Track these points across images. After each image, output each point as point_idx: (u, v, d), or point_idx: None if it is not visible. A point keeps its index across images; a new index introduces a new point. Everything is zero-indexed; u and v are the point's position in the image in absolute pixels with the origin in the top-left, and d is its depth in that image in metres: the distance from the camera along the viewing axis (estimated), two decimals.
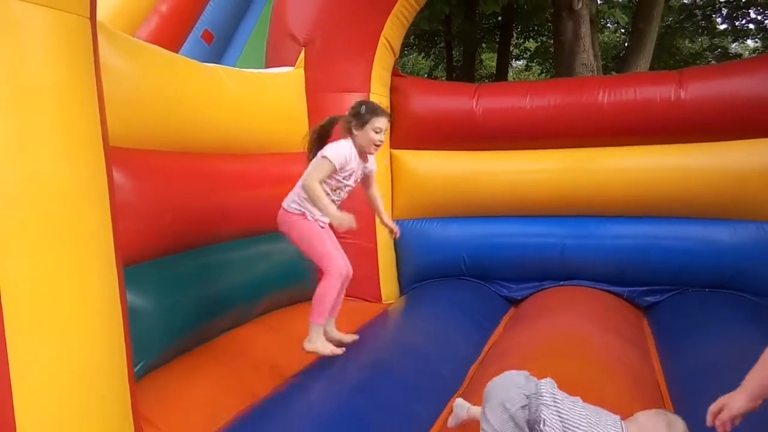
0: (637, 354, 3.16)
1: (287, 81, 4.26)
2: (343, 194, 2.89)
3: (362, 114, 2.81)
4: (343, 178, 2.84)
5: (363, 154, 2.89)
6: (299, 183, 2.91)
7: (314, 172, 2.79)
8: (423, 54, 18.94)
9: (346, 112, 2.95)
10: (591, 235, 4.48)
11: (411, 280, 4.80)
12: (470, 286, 4.62)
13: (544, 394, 1.90)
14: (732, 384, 2.68)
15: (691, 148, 4.24)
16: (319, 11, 4.35)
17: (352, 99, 4.36)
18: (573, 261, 4.46)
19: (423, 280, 4.77)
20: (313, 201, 2.79)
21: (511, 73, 22.99)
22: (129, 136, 2.82)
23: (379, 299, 4.52)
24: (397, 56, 4.71)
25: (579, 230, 4.54)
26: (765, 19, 15.99)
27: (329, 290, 2.82)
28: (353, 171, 2.83)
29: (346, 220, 2.73)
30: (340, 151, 2.77)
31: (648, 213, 4.38)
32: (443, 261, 4.76)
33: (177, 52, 5.48)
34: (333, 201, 2.85)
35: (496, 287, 4.70)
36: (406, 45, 17.77)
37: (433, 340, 3.29)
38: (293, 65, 4.36)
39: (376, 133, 2.81)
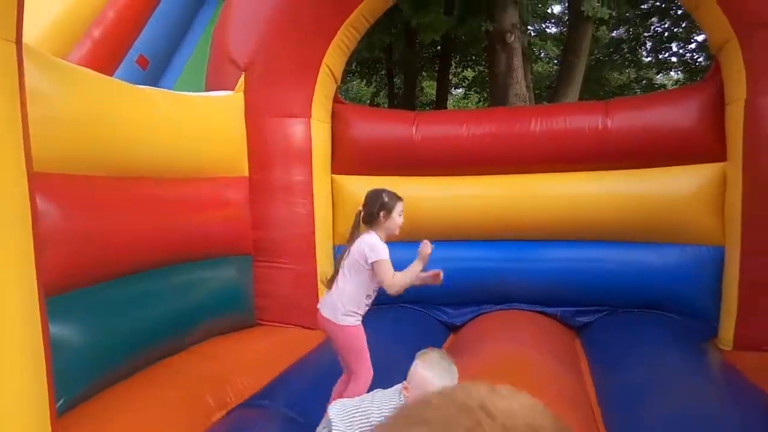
0: (571, 373, 3.25)
1: (226, 105, 4.23)
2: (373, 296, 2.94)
3: (387, 203, 2.88)
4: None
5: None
6: (342, 291, 2.88)
7: (386, 274, 2.81)
8: (365, 81, 19.15)
9: (362, 208, 2.97)
10: (527, 258, 4.60)
11: None
12: (410, 312, 4.64)
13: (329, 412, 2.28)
14: (657, 400, 2.81)
15: (618, 174, 4.43)
16: (260, 37, 4.35)
17: (293, 124, 4.41)
18: (510, 284, 4.57)
19: None
20: (405, 284, 2.84)
21: (451, 101, 23.52)
22: (60, 161, 2.73)
23: (318, 327, 4.47)
24: (339, 83, 4.76)
25: (516, 254, 4.66)
26: (686, 53, 17.05)
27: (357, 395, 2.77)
28: None
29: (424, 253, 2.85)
30: (382, 246, 2.82)
31: (580, 237, 4.54)
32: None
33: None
34: (367, 305, 2.91)
35: (436, 313, 4.74)
36: (348, 71, 17.92)
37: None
38: (233, 89, 4.33)
39: (400, 216, 2.90)
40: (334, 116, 4.76)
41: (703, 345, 3.84)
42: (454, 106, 22.91)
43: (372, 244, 2.83)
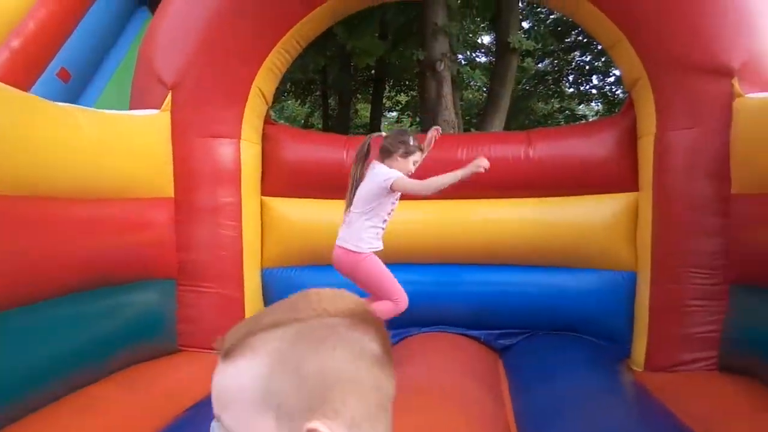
0: (491, 396, 3.33)
1: (151, 124, 4.13)
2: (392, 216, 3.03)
3: (410, 146, 3.02)
4: (396, 199, 3.00)
5: None
6: (353, 222, 3.01)
7: (412, 184, 2.93)
8: (299, 101, 19.14)
9: (386, 134, 3.11)
10: (453, 282, 4.70)
11: None
12: None
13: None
14: (570, 420, 2.92)
15: (540, 202, 4.62)
16: (189, 56, 4.29)
17: (221, 145, 4.35)
18: (436, 307, 4.64)
19: None
20: (441, 185, 2.96)
21: (386, 124, 23.83)
22: None
23: None
24: (270, 104, 4.74)
25: (441, 278, 4.74)
26: (605, 86, 18.05)
27: (388, 315, 2.91)
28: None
29: (481, 163, 2.93)
30: (393, 170, 2.91)
31: (503, 262, 4.68)
32: None
33: (28, 91, 5.12)
34: (383, 228, 3.03)
35: None
36: (282, 91, 17.86)
37: None
38: (159, 108, 4.24)
39: (414, 164, 2.99)
40: (265, 137, 4.73)
41: (616, 366, 4.02)
42: (388, 129, 23.19)
43: (384, 171, 2.97)
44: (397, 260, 4.74)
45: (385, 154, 3.12)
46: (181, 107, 4.24)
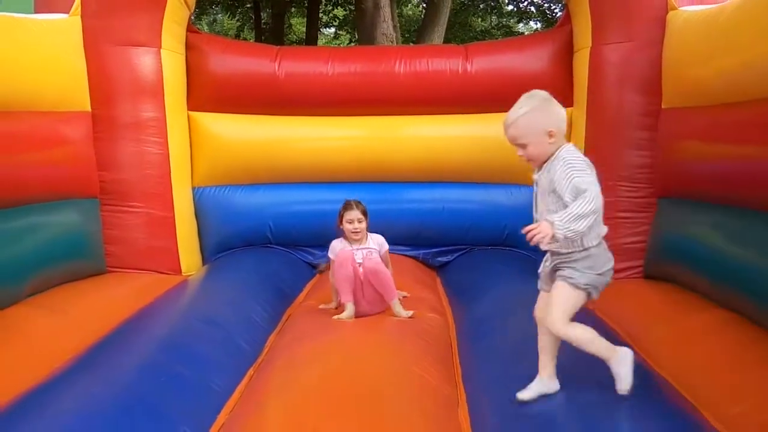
0: (433, 313, 3.41)
1: (60, 30, 3.76)
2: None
3: (340, 212, 3.53)
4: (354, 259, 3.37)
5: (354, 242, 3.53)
6: None
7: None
8: (229, 13, 18.07)
9: None
10: (391, 200, 4.65)
11: (214, 251, 4.61)
12: (275, 253, 4.58)
13: None
14: (507, 326, 3.02)
15: (476, 118, 4.56)
16: None
17: (140, 54, 4.04)
18: (374, 225, 4.61)
19: (227, 249, 4.61)
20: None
21: (323, 40, 22.97)
22: None
23: (178, 272, 4.27)
24: (192, 10, 4.40)
25: (380, 195, 4.67)
26: (543, 3, 17.86)
27: None
28: (352, 252, 3.41)
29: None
30: (331, 246, 3.55)
31: (441, 179, 4.67)
32: (248, 229, 4.65)
33: None
34: None
35: (302, 254, 4.71)
36: (211, 2, 16.78)
37: (231, 310, 3.20)
38: (68, 12, 3.85)
39: (349, 223, 3.47)
40: (189, 47, 4.41)
41: None
42: (326, 45, 22.41)
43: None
44: (334, 178, 4.67)
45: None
46: (92, 11, 3.88)
